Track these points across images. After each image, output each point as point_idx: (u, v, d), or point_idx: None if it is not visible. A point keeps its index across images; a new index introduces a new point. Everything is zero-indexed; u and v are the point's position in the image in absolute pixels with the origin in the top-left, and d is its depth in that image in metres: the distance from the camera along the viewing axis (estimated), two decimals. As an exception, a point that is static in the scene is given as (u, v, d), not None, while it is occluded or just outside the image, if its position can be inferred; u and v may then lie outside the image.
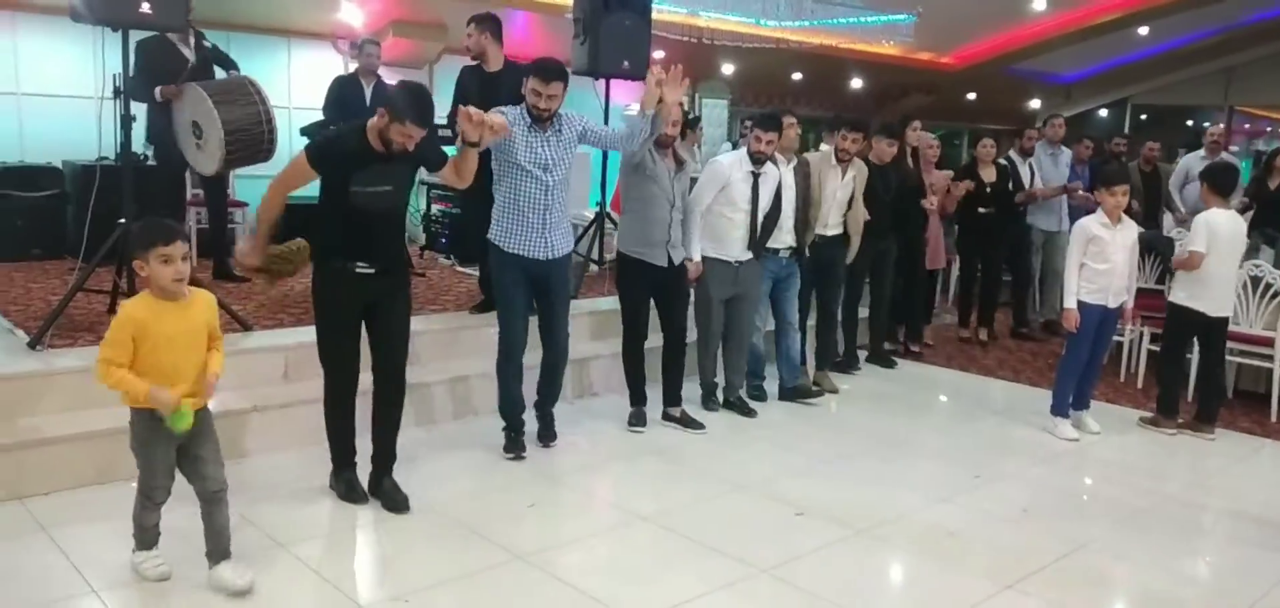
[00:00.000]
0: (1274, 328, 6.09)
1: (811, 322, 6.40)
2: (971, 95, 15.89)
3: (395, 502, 3.98)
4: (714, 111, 13.33)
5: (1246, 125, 16.70)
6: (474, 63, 5.70)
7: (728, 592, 3.51)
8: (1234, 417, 6.10)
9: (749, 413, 5.61)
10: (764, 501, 4.45)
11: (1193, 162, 8.70)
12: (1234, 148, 14.18)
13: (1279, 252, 7.51)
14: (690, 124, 9.02)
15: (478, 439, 4.93)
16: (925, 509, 4.43)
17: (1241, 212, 8.32)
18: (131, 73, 5.06)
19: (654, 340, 5.38)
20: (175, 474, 3.18)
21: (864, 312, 7.00)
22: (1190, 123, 16.33)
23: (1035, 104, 16.53)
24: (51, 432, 4.08)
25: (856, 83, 14.51)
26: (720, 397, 5.72)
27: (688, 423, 5.25)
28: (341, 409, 4.02)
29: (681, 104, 4.86)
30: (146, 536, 3.25)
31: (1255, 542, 4.27)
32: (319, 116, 7.22)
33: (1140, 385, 6.70)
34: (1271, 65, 14.51)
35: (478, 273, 6.13)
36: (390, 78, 7.93)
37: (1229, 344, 6.22)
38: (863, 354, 7.01)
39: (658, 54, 10.27)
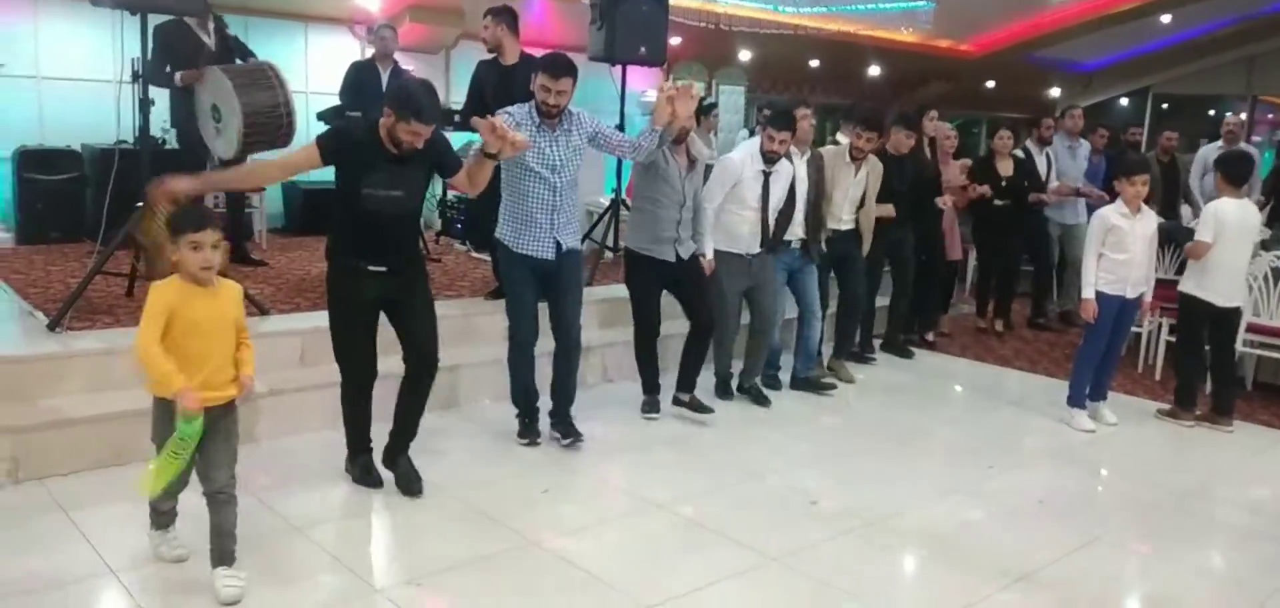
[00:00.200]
0: (1294, 320, 6.03)
1: (831, 310, 6.37)
2: (991, 83, 15.77)
3: (409, 484, 3.99)
4: (731, 98, 13.27)
5: (1269, 115, 16.50)
6: (490, 56, 5.69)
7: (739, 580, 3.52)
8: (1253, 409, 6.05)
9: (764, 402, 5.60)
10: (777, 489, 4.45)
11: (1212, 152, 8.61)
12: (1257, 138, 14.05)
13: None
14: (705, 110, 8.99)
15: (492, 425, 4.95)
16: (939, 500, 4.42)
17: (1261, 207, 8.26)
18: (150, 57, 5.08)
19: (668, 329, 5.37)
20: (191, 468, 3.14)
21: (883, 301, 6.96)
22: (1212, 112, 16.15)
23: (1055, 93, 16.40)
24: (71, 413, 4.12)
25: (875, 70, 14.42)
26: (736, 385, 5.70)
27: (697, 408, 5.22)
28: (358, 403, 4.03)
29: (698, 94, 4.80)
30: (161, 517, 3.26)
31: (1271, 536, 4.23)
32: (336, 102, 7.23)
33: (1158, 377, 6.65)
34: (1295, 54, 14.34)
35: (491, 259, 6.13)
36: (407, 63, 7.96)
37: (1249, 336, 6.19)
38: (877, 342, 6.99)
39: (675, 40, 10.27)
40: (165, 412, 3.02)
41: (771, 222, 5.38)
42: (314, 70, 8.90)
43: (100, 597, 3.17)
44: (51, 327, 4.58)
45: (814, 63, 14.05)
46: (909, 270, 6.80)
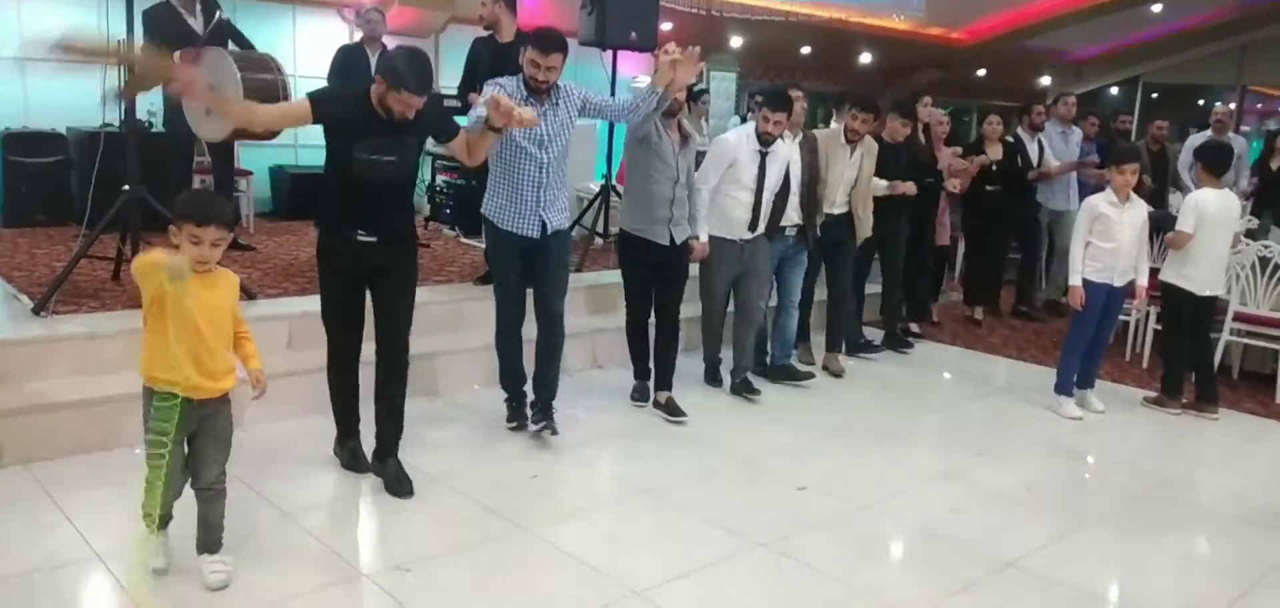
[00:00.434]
0: (1281, 309, 6.06)
1: (820, 298, 6.34)
2: (982, 72, 15.78)
3: (399, 486, 3.90)
4: (722, 85, 13.26)
5: (1259, 105, 16.56)
6: (486, 33, 5.66)
7: (727, 565, 3.52)
8: (1239, 398, 6.08)
9: (753, 394, 5.52)
10: (766, 476, 4.45)
11: (1201, 140, 8.64)
12: (1245, 128, 14.09)
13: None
14: (695, 96, 8.95)
15: (480, 411, 4.93)
16: (927, 486, 4.43)
17: (1248, 197, 8.29)
18: (141, 42, 5.03)
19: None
20: (186, 475, 3.06)
21: (871, 287, 6.92)
22: (1201, 102, 16.20)
23: (1046, 81, 16.42)
24: (56, 397, 4.09)
25: (866, 58, 14.42)
26: (724, 376, 5.67)
27: (672, 411, 5.10)
28: (343, 374, 4.00)
29: (700, 61, 4.72)
30: (152, 520, 3.07)
31: (1257, 523, 4.26)
32: (324, 85, 7.18)
33: (1145, 365, 6.68)
34: (1285, 44, 14.37)
35: (482, 245, 6.11)
36: (397, 46, 7.92)
37: (1235, 325, 6.22)
38: (870, 332, 6.93)
39: (665, 26, 10.23)
40: (157, 408, 2.93)
41: (765, 204, 5.33)
42: (302, 54, 8.84)
43: (86, 582, 3.15)
44: (36, 310, 4.55)
45: (805, 49, 14.03)
46: (901, 259, 6.74)
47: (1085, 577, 3.61)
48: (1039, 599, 3.46)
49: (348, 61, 7.12)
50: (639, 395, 5.27)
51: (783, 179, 5.41)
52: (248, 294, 5.07)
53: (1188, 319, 5.68)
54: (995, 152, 7.49)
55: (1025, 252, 8.17)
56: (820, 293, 6.36)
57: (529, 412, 4.68)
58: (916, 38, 13.96)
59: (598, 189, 7.11)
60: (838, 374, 6.15)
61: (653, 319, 5.20)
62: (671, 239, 4.99)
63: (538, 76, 4.22)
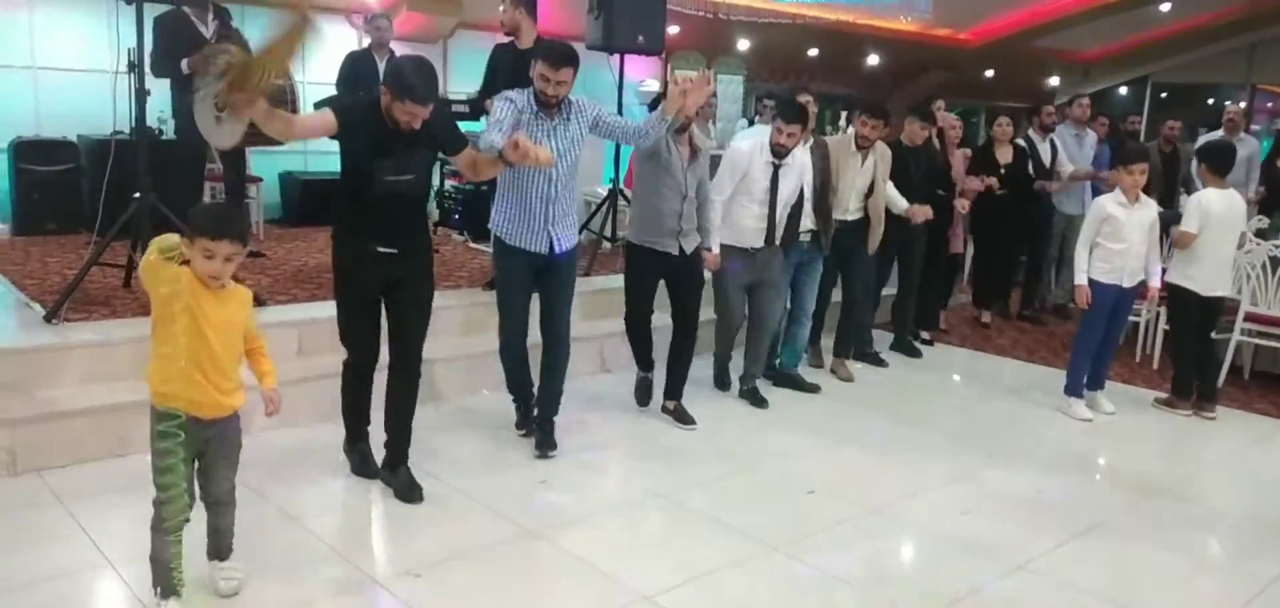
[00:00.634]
0: (1292, 309, 6.04)
1: (836, 299, 6.29)
2: (990, 72, 15.74)
3: (409, 493, 3.91)
4: (729, 87, 13.25)
5: (1269, 104, 16.49)
6: (507, 39, 5.67)
7: (738, 569, 3.52)
8: (1251, 398, 6.06)
9: (762, 403, 5.48)
10: (775, 479, 4.45)
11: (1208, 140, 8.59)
12: (1256, 127, 14.02)
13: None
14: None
15: (489, 416, 4.94)
16: (937, 489, 4.42)
17: (1260, 199, 8.24)
18: (149, 50, 5.05)
19: (660, 321, 5.26)
20: (195, 495, 2.96)
21: (888, 290, 6.89)
22: (1211, 101, 16.14)
23: (1054, 81, 16.37)
24: (68, 405, 4.12)
25: (874, 59, 14.40)
26: (735, 382, 5.65)
27: (681, 418, 5.08)
28: (359, 385, 4.02)
29: (712, 88, 4.68)
30: (164, 574, 2.88)
31: (1269, 523, 4.24)
32: (333, 92, 7.21)
33: (1156, 366, 6.66)
34: (1295, 42, 14.32)
35: (490, 250, 6.12)
36: (404, 52, 7.94)
37: (1246, 325, 6.19)
38: (879, 337, 6.89)
39: (673, 29, 10.25)
40: (163, 427, 2.85)
41: (780, 216, 5.26)
42: (311, 59, 8.87)
43: (98, 590, 3.17)
44: (48, 318, 4.57)
45: (812, 52, 14.02)
46: (918, 265, 6.68)
47: (1095, 580, 3.60)
48: (1049, 602, 3.45)
49: (356, 68, 7.14)
50: (642, 392, 5.25)
51: (798, 191, 5.34)
52: (258, 301, 5.07)
53: (1196, 320, 5.66)
54: (1005, 154, 7.45)
55: (1032, 255, 8.12)
56: (834, 295, 6.32)
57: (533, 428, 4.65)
58: (924, 39, 13.94)
59: (605, 194, 7.11)
60: (847, 379, 6.13)
61: (667, 321, 5.17)
62: (681, 250, 4.94)
63: (548, 91, 4.17)
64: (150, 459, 2.88)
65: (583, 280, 6.11)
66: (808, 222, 5.57)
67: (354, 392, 4.04)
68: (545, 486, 4.21)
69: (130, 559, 3.26)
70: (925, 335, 7.19)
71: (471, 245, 7.43)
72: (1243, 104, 12.44)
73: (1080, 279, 5.47)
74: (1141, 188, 5.40)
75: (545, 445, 4.52)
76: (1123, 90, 17.09)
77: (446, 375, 5.17)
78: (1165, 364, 6.44)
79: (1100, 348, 5.60)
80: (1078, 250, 5.52)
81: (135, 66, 5.04)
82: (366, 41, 7.56)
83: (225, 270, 2.83)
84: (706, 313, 5.66)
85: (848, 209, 5.89)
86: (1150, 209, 5.48)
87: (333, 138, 3.66)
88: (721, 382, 5.70)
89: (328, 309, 4.00)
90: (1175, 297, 5.68)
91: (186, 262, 2.82)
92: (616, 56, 6.66)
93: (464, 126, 4.29)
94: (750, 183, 5.18)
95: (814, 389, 5.84)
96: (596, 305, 6.03)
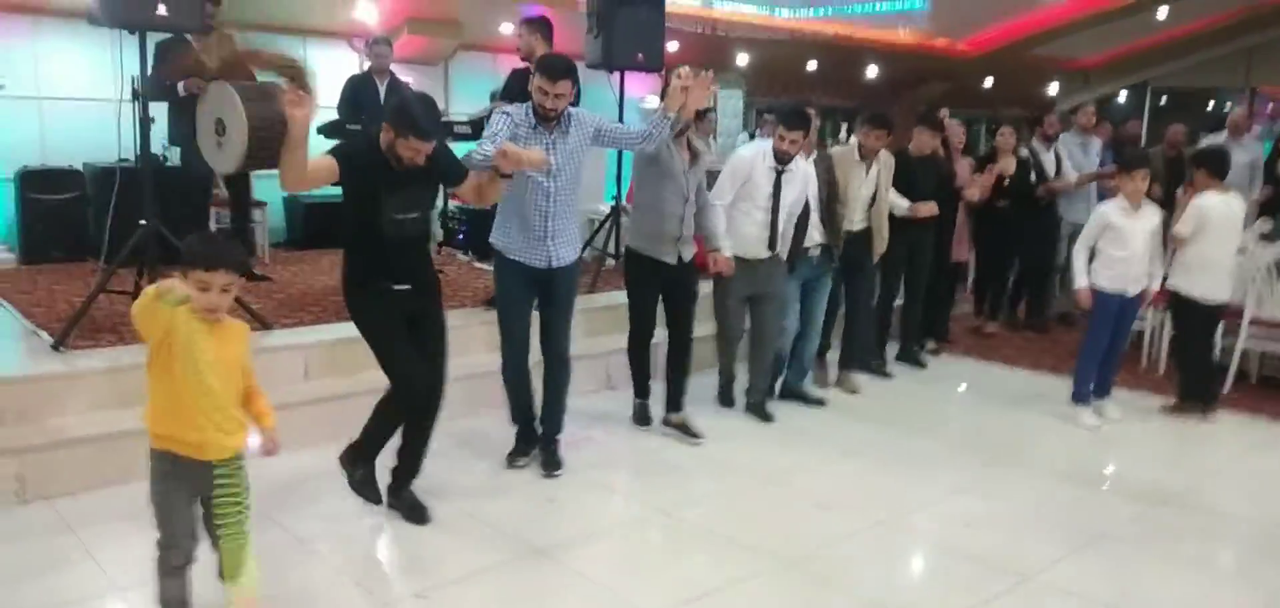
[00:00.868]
0: (1296, 313, 6.03)
1: (842, 309, 6.27)
2: (989, 81, 15.78)
3: (417, 514, 3.92)
4: (729, 103, 13.29)
5: (1269, 106, 16.50)
6: (523, 64, 5.72)
7: (746, 585, 3.52)
8: (1258, 403, 6.05)
9: (767, 418, 5.47)
10: (782, 493, 4.45)
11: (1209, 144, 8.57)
12: (1256, 130, 14.03)
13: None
14: (701, 114, 8.95)
15: (494, 435, 4.93)
16: (944, 500, 4.42)
17: (1263, 201, 8.23)
18: (150, 71, 5.08)
19: (664, 335, 5.29)
20: (198, 536, 2.86)
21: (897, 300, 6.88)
22: (1211, 105, 16.16)
23: (1054, 88, 16.40)
24: (77, 432, 4.13)
25: (873, 71, 14.44)
26: (738, 396, 5.64)
27: (686, 431, 5.08)
28: (400, 418, 3.90)
29: (713, 84, 4.64)
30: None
31: (1274, 530, 4.23)
32: (334, 116, 7.25)
33: (1162, 372, 6.65)
34: (1293, 45, 14.34)
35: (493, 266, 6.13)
36: (405, 75, 7.98)
37: (1251, 330, 6.19)
38: (890, 347, 6.88)
39: (672, 46, 10.29)
40: (162, 467, 2.77)
41: (782, 224, 5.24)
42: (313, 83, 8.92)
43: (109, 616, 3.18)
44: (56, 346, 4.59)
45: (811, 65, 14.06)
46: (925, 275, 6.66)
47: (1104, 590, 3.60)
48: (1059, 612, 3.45)
49: (356, 92, 7.19)
50: (640, 415, 5.25)
51: (802, 201, 5.34)
52: (264, 324, 5.10)
53: (1201, 325, 5.66)
54: (1009, 165, 7.43)
55: (1034, 267, 8.08)
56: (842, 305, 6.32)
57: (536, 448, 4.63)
58: (923, 50, 13.97)
59: (608, 211, 7.13)
60: (853, 392, 6.13)
61: (664, 338, 5.17)
62: (680, 258, 4.94)
63: (546, 104, 4.16)
64: (151, 501, 2.81)
65: (586, 297, 6.13)
66: (816, 235, 5.55)
67: (394, 422, 3.91)
68: (552, 503, 4.22)
69: (139, 584, 3.26)
70: (932, 345, 7.19)
71: (476, 265, 7.45)
72: (1243, 108, 12.46)
73: (1080, 281, 5.50)
74: (1144, 194, 5.41)
75: (550, 465, 4.52)
76: (1122, 96, 17.12)
77: (450, 395, 5.15)
78: (1171, 371, 6.43)
79: (1105, 356, 5.60)
80: (1076, 253, 5.56)
81: (139, 95, 5.07)
82: (367, 65, 7.61)
83: (222, 302, 2.71)
84: (704, 327, 5.68)
85: (853, 220, 5.88)
86: (1153, 216, 5.49)
87: (335, 184, 3.62)
88: (726, 398, 5.70)
89: (333, 332, 4.01)
90: (1178, 303, 5.69)
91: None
92: (616, 74, 6.69)
93: (467, 146, 4.31)
94: (753, 189, 5.18)
95: (820, 403, 5.84)
96: (600, 322, 6.04)
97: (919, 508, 4.31)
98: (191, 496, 2.79)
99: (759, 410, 5.51)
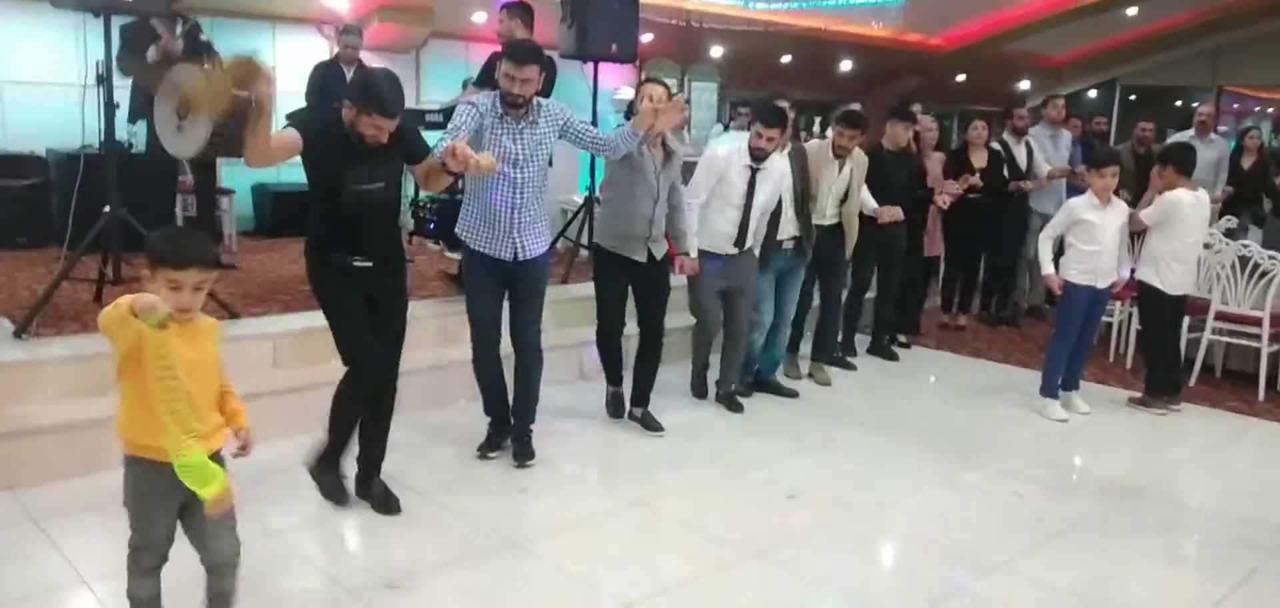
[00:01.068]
0: (1262, 307, 6.12)
1: (815, 304, 6.30)
2: (961, 77, 15.90)
3: (387, 505, 3.88)
4: (703, 95, 13.31)
5: (1235, 105, 16.76)
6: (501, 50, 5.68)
7: (717, 576, 3.52)
8: (1222, 397, 6.14)
9: (738, 409, 5.48)
10: (755, 485, 4.46)
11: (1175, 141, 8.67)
12: (1222, 128, 14.23)
13: (1268, 231, 7.52)
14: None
15: (465, 425, 4.90)
16: (914, 492, 4.44)
17: (1225, 198, 8.35)
18: (116, 52, 5.01)
19: (633, 327, 5.23)
20: (175, 537, 2.69)
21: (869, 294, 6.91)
22: (1179, 103, 16.38)
23: (1025, 85, 16.56)
24: (39, 421, 4.06)
25: (846, 65, 14.51)
26: (710, 388, 5.63)
27: (649, 425, 5.06)
28: (359, 405, 3.84)
29: (685, 109, 4.60)
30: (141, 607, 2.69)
31: (1242, 521, 4.29)
32: (302, 104, 7.17)
33: (1129, 366, 6.73)
34: (1259, 45, 14.54)
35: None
36: (377, 64, 7.90)
37: (1217, 324, 6.27)
38: (860, 339, 6.92)
39: (646, 37, 10.27)
40: (141, 473, 2.59)
41: (753, 222, 5.22)
42: (282, 71, 8.79)
43: (71, 608, 3.13)
44: (18, 334, 4.51)
45: (785, 58, 14.11)
46: (898, 270, 6.69)
47: (1073, 579, 3.63)
48: (1027, 603, 3.47)
49: (325, 79, 7.11)
50: (613, 406, 5.24)
51: (776, 198, 5.32)
52: (231, 313, 5.04)
53: (1166, 316, 5.74)
54: (980, 158, 7.48)
55: (1007, 257, 8.14)
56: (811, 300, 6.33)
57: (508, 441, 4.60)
58: (896, 45, 14.06)
59: (581, 201, 7.10)
60: (825, 384, 6.16)
61: (635, 331, 5.15)
62: (650, 256, 4.89)
63: (514, 90, 4.10)
64: (125, 504, 2.65)
65: (559, 288, 6.11)
66: (791, 228, 5.56)
67: (354, 410, 3.84)
68: (523, 494, 4.20)
69: (104, 576, 3.22)
70: (903, 339, 7.23)
71: (447, 255, 7.39)
72: (1210, 106, 12.63)
73: (1048, 269, 5.58)
74: (1113, 190, 5.47)
75: (523, 455, 4.50)
76: (1092, 93, 17.32)
77: (422, 386, 5.13)
78: (1138, 364, 6.51)
79: (1074, 348, 5.66)
80: (1041, 242, 5.65)
81: (104, 80, 4.98)
82: (334, 52, 7.53)
83: (195, 301, 2.53)
84: (680, 320, 5.68)
85: (825, 214, 5.90)
86: (1122, 211, 5.55)
87: (300, 155, 3.57)
88: (699, 389, 5.69)
89: (302, 321, 3.97)
90: (1145, 295, 5.76)
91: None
92: (590, 65, 6.66)
93: (439, 135, 4.26)
94: (727, 187, 5.15)
95: (792, 394, 5.85)
96: (573, 313, 6.02)
97: (888, 499, 4.33)
98: (170, 501, 2.62)
99: (730, 402, 5.52)
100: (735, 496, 4.33)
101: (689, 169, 5.42)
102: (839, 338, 6.57)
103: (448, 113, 6.16)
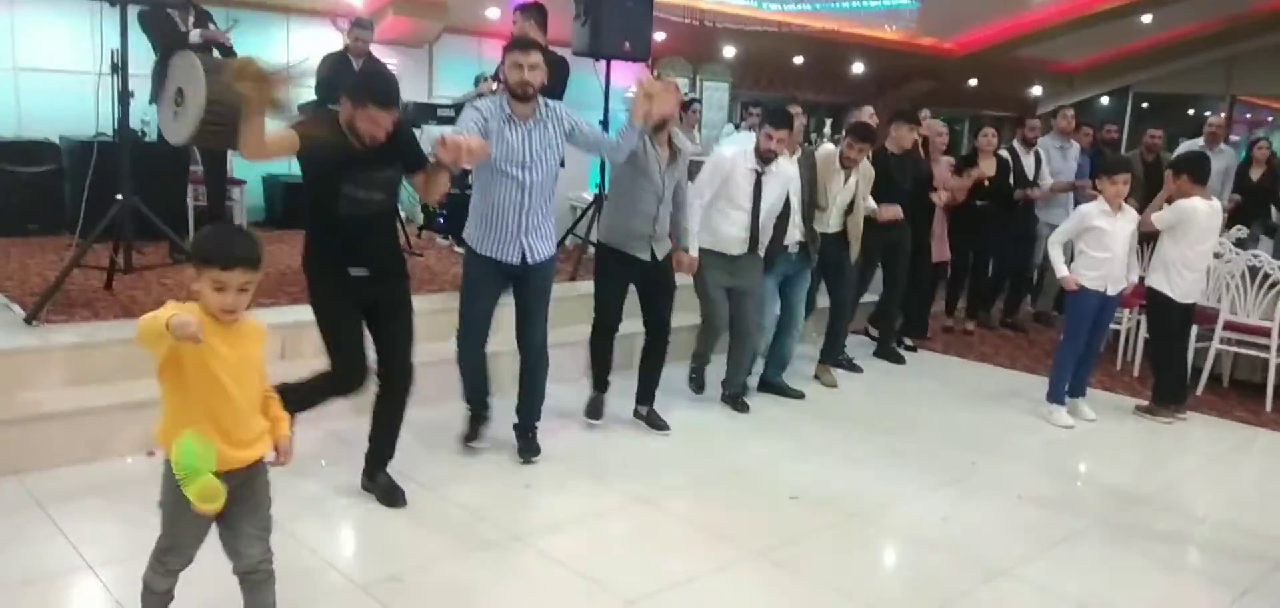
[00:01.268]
0: (1271, 318, 6.10)
1: (821, 305, 6.30)
2: (973, 82, 15.85)
3: (393, 497, 3.90)
4: (714, 94, 13.30)
5: (1248, 115, 16.68)
6: None
7: (720, 575, 3.53)
8: (1229, 406, 6.12)
9: (743, 409, 5.48)
10: (758, 485, 4.46)
11: (1186, 149, 8.66)
12: (1234, 138, 14.18)
13: (1278, 242, 7.50)
14: (685, 105, 8.94)
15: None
16: (919, 496, 4.44)
17: (1233, 207, 8.32)
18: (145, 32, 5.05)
19: (630, 327, 5.19)
20: (203, 542, 2.63)
21: (870, 296, 6.91)
22: (1191, 112, 16.31)
23: (1037, 91, 16.50)
24: (48, 407, 4.09)
25: (858, 68, 14.48)
26: (711, 383, 5.61)
27: (654, 423, 5.07)
28: (328, 397, 3.83)
29: (678, 90, 4.60)
30: (154, 600, 2.65)
31: (1246, 531, 4.28)
32: (313, 97, 7.19)
33: (1136, 373, 6.71)
34: (1273, 54, 14.45)
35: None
36: (390, 57, 7.93)
37: (1225, 334, 6.26)
38: (858, 341, 6.93)
39: (659, 36, 10.27)
40: (173, 483, 2.45)
41: (764, 224, 5.22)
42: (296, 62, 8.85)
43: (78, 593, 3.15)
44: (28, 320, 4.53)
45: (798, 59, 14.09)
46: (904, 273, 6.68)
47: (1076, 586, 3.62)
48: (1030, 608, 3.47)
49: (334, 71, 7.11)
50: (593, 410, 5.12)
51: (783, 201, 5.31)
52: (240, 304, 5.05)
53: (1174, 324, 5.73)
54: (988, 165, 7.46)
55: (1015, 264, 8.12)
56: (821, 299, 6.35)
57: (499, 432, 4.59)
58: (908, 48, 14.03)
59: (591, 199, 7.12)
60: (831, 386, 6.16)
61: (638, 331, 5.12)
62: (653, 255, 4.85)
63: (522, 77, 4.07)
64: (160, 506, 2.57)
65: (567, 286, 6.12)
66: (797, 233, 5.56)
67: (320, 395, 3.82)
68: (528, 490, 4.21)
69: (110, 561, 3.25)
70: (909, 342, 7.22)
71: (457, 250, 7.41)
72: (1223, 115, 12.58)
73: (1062, 270, 5.55)
74: (1124, 198, 5.46)
75: (528, 451, 4.51)
76: (1104, 100, 17.25)
77: (427, 379, 5.12)
78: (1146, 372, 6.49)
79: (1082, 356, 5.65)
80: (1052, 245, 5.63)
81: (118, 68, 5.00)
82: (344, 45, 7.55)
83: (240, 302, 2.46)
84: (683, 319, 5.67)
85: (830, 223, 5.91)
86: (1132, 218, 5.54)
87: (297, 156, 3.53)
88: (697, 382, 5.67)
89: (310, 313, 3.96)
90: (1154, 301, 5.74)
91: (196, 293, 2.47)
92: (603, 63, 6.67)
93: (450, 131, 4.27)
94: (733, 189, 5.15)
95: (798, 395, 5.85)
96: (580, 311, 6.00)
97: (892, 502, 4.33)
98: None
99: (735, 402, 5.52)
100: (739, 496, 4.33)
101: (697, 170, 5.42)
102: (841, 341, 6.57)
103: (459, 107, 6.19)
